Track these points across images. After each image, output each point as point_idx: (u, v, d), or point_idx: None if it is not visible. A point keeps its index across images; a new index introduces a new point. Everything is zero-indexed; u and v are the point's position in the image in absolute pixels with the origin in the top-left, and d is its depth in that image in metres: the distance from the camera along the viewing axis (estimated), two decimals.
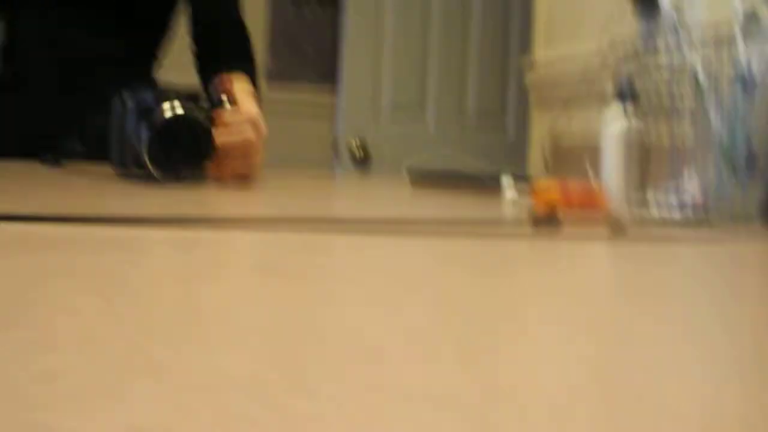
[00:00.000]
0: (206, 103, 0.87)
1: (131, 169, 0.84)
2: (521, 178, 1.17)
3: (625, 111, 0.71)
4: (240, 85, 1.00)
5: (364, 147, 2.48)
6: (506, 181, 1.06)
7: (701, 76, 0.88)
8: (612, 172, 0.71)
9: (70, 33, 1.19)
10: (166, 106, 0.81)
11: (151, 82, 1.21)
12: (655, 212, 0.87)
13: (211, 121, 0.85)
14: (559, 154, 1.54)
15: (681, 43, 0.90)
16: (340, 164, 2.46)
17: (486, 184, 1.11)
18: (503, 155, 1.86)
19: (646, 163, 0.85)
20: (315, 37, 2.69)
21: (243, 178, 0.91)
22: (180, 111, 0.81)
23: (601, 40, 1.10)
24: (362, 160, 2.46)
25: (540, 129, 1.75)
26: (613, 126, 0.71)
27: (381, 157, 2.50)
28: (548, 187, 0.67)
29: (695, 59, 0.89)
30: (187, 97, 0.85)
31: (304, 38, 2.68)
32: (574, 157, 1.25)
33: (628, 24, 1.04)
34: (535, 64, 1.77)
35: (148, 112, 0.82)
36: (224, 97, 0.89)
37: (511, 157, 2.12)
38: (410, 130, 2.57)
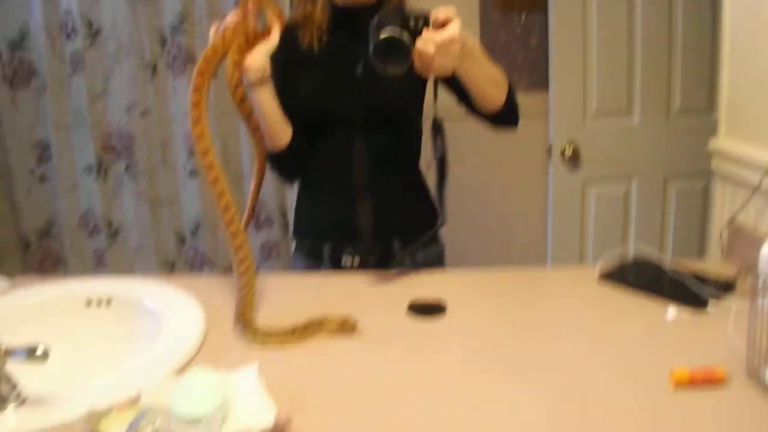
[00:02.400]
0: (422, 21, 1.30)
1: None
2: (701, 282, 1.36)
3: None
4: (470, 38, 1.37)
5: (574, 148, 2.68)
6: (671, 311, 1.27)
7: None
8: None
9: (353, 149, 1.60)
10: (384, 30, 1.30)
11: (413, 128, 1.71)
12: None
13: (417, 35, 1.30)
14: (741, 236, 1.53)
15: None
16: (552, 166, 2.70)
17: (667, 295, 1.33)
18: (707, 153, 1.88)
19: None
20: (524, 44, 2.81)
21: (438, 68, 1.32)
22: (389, 34, 1.30)
23: None
24: (572, 161, 2.68)
25: (721, 209, 1.69)
26: None
27: (590, 155, 2.69)
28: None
29: None
30: (409, 18, 1.32)
31: (514, 46, 2.81)
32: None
33: None
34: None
35: (378, 30, 1.31)
36: (430, 23, 1.32)
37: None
38: (617, 129, 2.70)
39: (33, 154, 2.65)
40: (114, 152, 2.63)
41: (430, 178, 1.62)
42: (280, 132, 1.53)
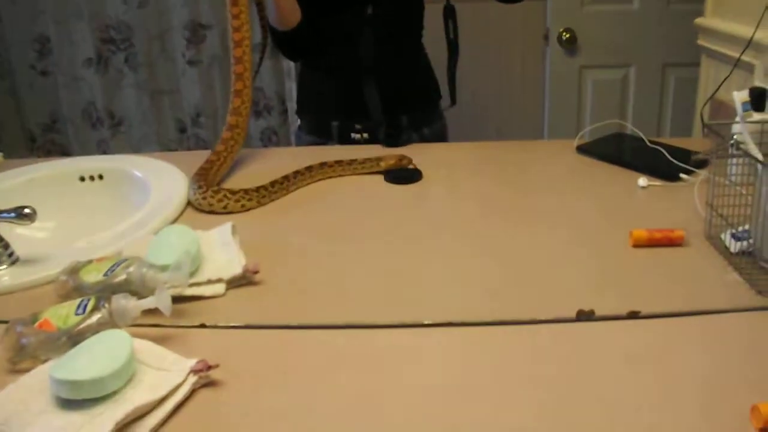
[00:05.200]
0: None
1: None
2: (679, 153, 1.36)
3: None
4: None
5: (571, 34, 2.67)
6: (642, 181, 1.29)
7: None
8: None
9: (361, 29, 1.59)
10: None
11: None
12: None
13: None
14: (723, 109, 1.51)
15: None
16: (550, 51, 2.71)
17: (641, 168, 1.35)
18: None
19: None
20: None
21: None
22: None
23: None
24: (570, 46, 2.68)
25: (705, 87, 1.67)
26: None
27: (588, 41, 2.68)
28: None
29: None
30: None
31: None
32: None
33: None
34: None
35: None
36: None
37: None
38: (616, 14, 2.66)
39: (33, 49, 2.67)
40: (113, 44, 2.65)
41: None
42: (291, 12, 1.54)
